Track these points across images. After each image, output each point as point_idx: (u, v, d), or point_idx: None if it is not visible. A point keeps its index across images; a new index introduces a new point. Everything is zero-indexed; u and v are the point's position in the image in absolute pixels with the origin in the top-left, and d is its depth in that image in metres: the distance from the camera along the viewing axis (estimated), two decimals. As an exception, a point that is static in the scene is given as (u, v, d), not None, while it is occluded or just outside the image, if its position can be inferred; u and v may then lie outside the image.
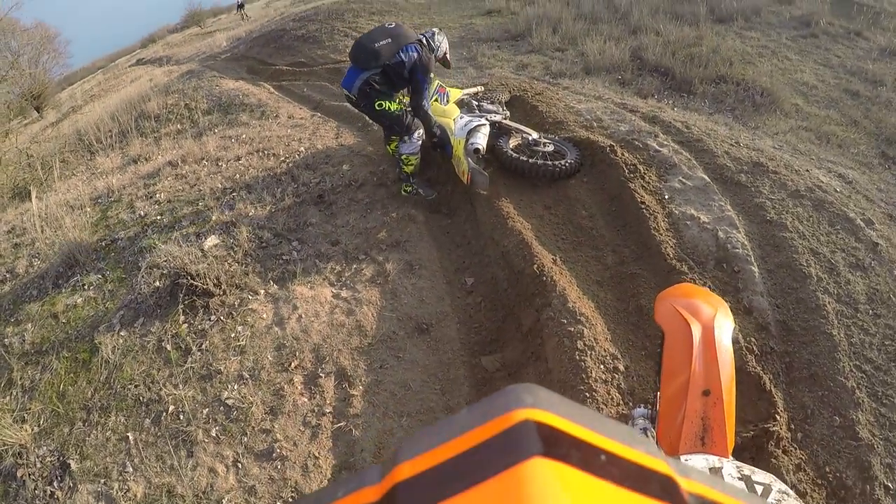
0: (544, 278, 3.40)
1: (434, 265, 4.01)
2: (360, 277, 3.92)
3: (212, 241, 4.54)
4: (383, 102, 4.41)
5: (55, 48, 30.94)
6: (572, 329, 3.11)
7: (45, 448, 3.65)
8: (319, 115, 7.46)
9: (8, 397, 4.15)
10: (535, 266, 3.50)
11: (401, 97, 4.74)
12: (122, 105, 11.03)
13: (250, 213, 4.82)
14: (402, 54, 4.36)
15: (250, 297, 3.88)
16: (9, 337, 4.72)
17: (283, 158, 5.90)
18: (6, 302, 5.27)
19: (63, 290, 4.94)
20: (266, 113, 7.93)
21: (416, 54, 4.35)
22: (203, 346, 3.63)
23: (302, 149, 6.06)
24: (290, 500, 3.31)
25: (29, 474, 3.56)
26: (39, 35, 29.04)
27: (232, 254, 4.33)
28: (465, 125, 4.60)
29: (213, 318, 3.81)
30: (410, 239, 4.25)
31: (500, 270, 3.81)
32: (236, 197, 5.23)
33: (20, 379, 4.25)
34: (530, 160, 4.44)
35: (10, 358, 4.42)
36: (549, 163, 4.42)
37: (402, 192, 4.84)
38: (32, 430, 3.80)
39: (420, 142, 4.61)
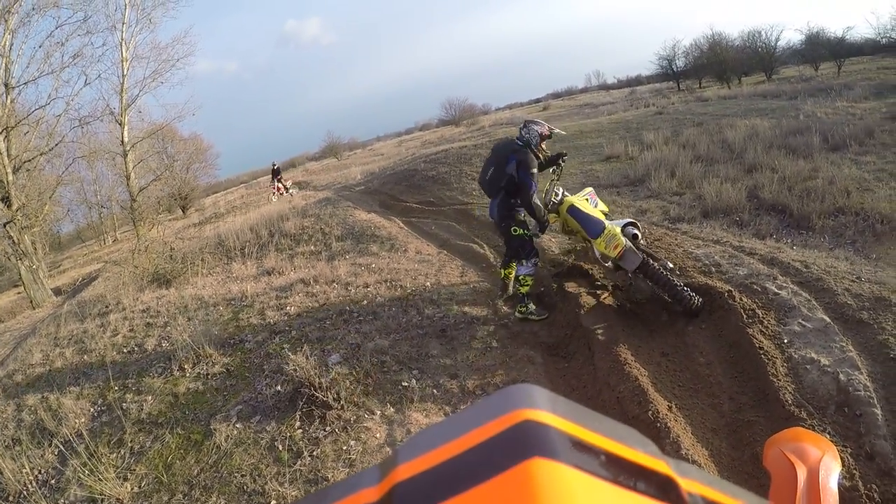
0: (658, 424, 3.58)
1: (548, 407, 4.25)
2: (476, 412, 4.26)
3: (336, 358, 5.19)
4: (518, 229, 5.55)
5: (206, 159, 36.09)
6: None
7: (141, 510, 4.22)
8: (446, 252, 8.31)
9: (115, 454, 4.88)
10: (650, 412, 3.68)
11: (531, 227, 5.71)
12: (262, 220, 12.67)
13: (375, 338, 5.51)
14: (508, 171, 5.43)
15: (366, 416, 4.39)
16: (128, 403, 5.55)
17: (409, 291, 6.70)
18: (131, 372, 6.13)
19: (187, 375, 5.70)
20: (395, 246, 8.96)
21: (514, 162, 5.39)
22: (314, 453, 4.13)
23: (428, 283, 6.86)
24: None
25: None
26: (194, 145, 34.37)
27: (354, 373, 4.95)
28: (620, 221, 5.22)
29: (328, 428, 4.34)
30: (527, 379, 4.61)
31: (614, 416, 3.88)
32: (363, 321, 6.00)
33: (131, 442, 5.00)
34: (679, 285, 4.77)
35: (125, 421, 5.23)
36: (690, 294, 4.74)
37: (518, 314, 5.63)
38: (132, 489, 4.44)
39: (536, 267, 5.63)
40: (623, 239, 4.83)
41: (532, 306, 5.60)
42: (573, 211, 5.46)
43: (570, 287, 5.73)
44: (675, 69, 36.87)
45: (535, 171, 5.33)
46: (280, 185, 22.66)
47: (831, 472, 1.16)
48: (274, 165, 24.14)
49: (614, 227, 5.03)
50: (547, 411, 0.39)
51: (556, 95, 67.77)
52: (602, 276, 5.82)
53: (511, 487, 0.33)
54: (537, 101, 66.13)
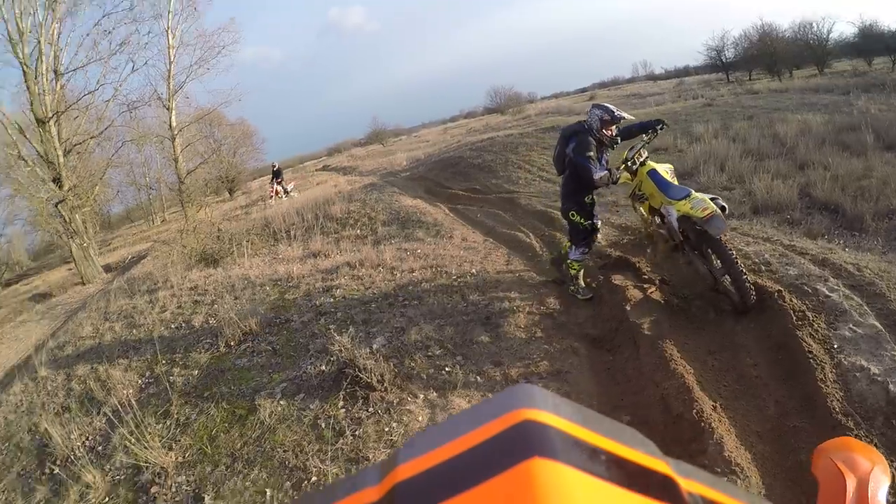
0: (702, 424, 3.48)
1: (591, 400, 4.20)
2: (519, 400, 4.20)
3: (381, 341, 5.20)
4: (576, 214, 5.50)
5: (252, 143, 36.87)
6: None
7: (184, 477, 4.32)
8: (491, 240, 8.24)
9: (161, 425, 4.99)
10: (695, 411, 3.57)
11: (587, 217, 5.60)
12: (309, 203, 12.79)
13: (420, 323, 5.49)
14: (567, 151, 5.42)
15: (409, 399, 4.38)
16: (175, 376, 5.67)
17: (454, 277, 6.64)
18: (178, 347, 6.24)
19: (233, 351, 5.77)
20: (441, 232, 8.94)
21: (573, 144, 5.34)
22: (356, 433, 4.14)
23: (473, 270, 6.78)
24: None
25: (162, 494, 4.24)
26: (241, 130, 35.38)
27: (398, 356, 4.95)
28: (705, 195, 5.05)
29: (370, 409, 4.34)
30: (571, 370, 4.53)
31: (657, 413, 3.89)
32: (408, 305, 6.00)
33: (177, 413, 5.10)
34: (743, 272, 4.60)
35: (172, 393, 5.35)
36: (751, 285, 4.59)
37: (569, 291, 5.82)
38: (177, 458, 4.53)
39: (585, 256, 5.67)
40: (713, 205, 4.68)
41: (581, 286, 5.68)
42: (654, 174, 5.36)
43: (617, 280, 5.62)
44: (724, 60, 35.88)
45: (590, 154, 5.21)
46: (279, 188, 20.49)
47: (881, 485, 1.13)
48: (274, 166, 21.61)
49: (702, 195, 4.89)
50: (547, 411, 0.39)
51: (603, 85, 66.77)
52: (649, 269, 5.71)
53: (511, 487, 0.34)
54: (583, 90, 65.29)
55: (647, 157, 5.51)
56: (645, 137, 5.63)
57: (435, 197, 12.81)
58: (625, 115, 5.29)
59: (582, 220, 5.50)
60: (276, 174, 20.98)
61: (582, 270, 5.73)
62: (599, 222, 5.65)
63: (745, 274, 4.57)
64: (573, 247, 5.66)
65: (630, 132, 5.66)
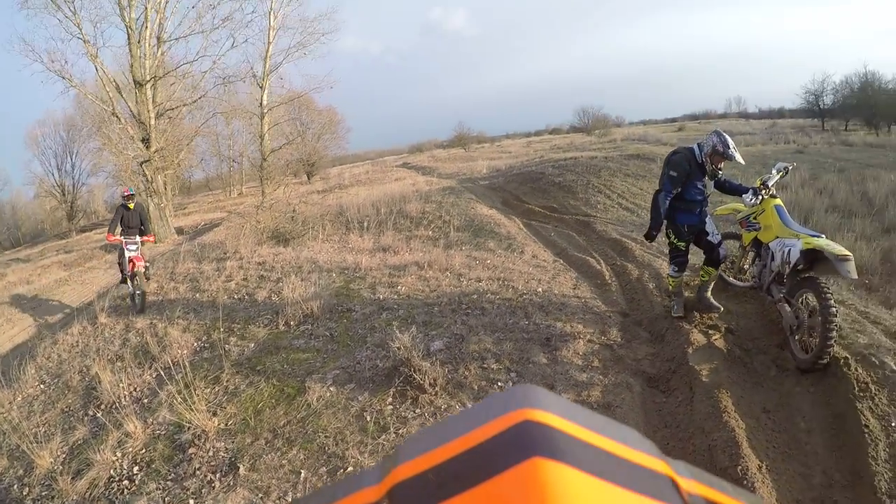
0: (745, 482, 3.42)
1: (638, 438, 4.12)
2: (565, 426, 4.18)
3: (439, 345, 5.29)
4: (670, 233, 5.60)
5: (337, 131, 38.32)
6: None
7: (223, 444, 4.51)
8: (561, 262, 8.16)
9: (210, 390, 5.24)
10: (740, 468, 3.53)
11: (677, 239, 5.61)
12: (384, 198, 13.07)
13: (480, 333, 5.55)
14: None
15: (457, 407, 4.44)
16: (231, 345, 5.92)
17: (520, 293, 6.65)
18: (239, 318, 6.49)
19: (292, 331, 5.97)
20: (512, 246, 8.97)
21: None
22: (400, 431, 4.23)
23: (540, 289, 6.76)
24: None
25: (199, 456, 4.43)
26: (328, 117, 37.04)
27: (453, 363, 5.02)
28: None
29: (417, 410, 4.44)
30: (622, 406, 4.46)
31: (701, 463, 3.77)
32: (470, 314, 6.06)
33: (227, 381, 5.33)
34: (836, 329, 4.45)
35: (225, 361, 5.56)
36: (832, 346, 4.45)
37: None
38: (219, 424, 4.73)
39: (678, 274, 5.68)
40: (841, 249, 4.55)
41: (675, 303, 5.68)
42: (781, 209, 5.36)
43: (682, 321, 5.55)
44: (821, 106, 34.77)
45: (673, 173, 5.26)
46: (135, 255, 8.63)
47: None
48: (126, 196, 9.31)
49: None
50: (547, 411, 0.40)
51: (693, 117, 65.44)
52: (716, 316, 5.59)
53: (511, 487, 0.34)
54: (673, 120, 64.01)
55: (773, 193, 5.52)
56: (776, 174, 5.70)
57: (511, 209, 12.87)
58: (737, 156, 5.24)
59: (675, 240, 5.54)
60: (130, 218, 9.22)
61: (679, 288, 5.72)
62: (722, 248, 5.57)
63: (835, 330, 4.42)
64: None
65: (731, 188, 5.65)
